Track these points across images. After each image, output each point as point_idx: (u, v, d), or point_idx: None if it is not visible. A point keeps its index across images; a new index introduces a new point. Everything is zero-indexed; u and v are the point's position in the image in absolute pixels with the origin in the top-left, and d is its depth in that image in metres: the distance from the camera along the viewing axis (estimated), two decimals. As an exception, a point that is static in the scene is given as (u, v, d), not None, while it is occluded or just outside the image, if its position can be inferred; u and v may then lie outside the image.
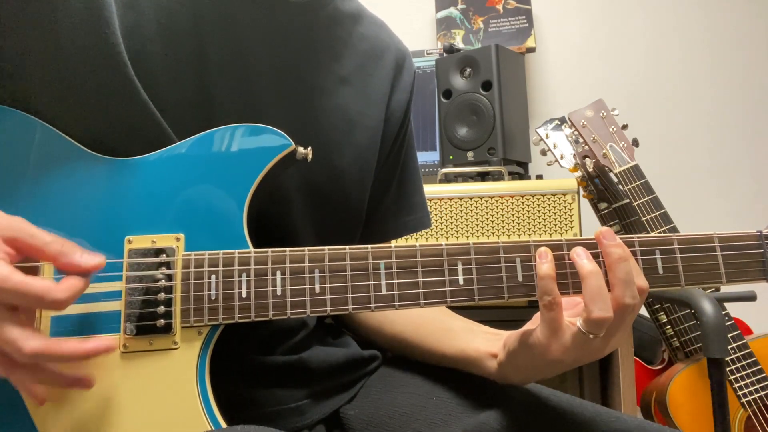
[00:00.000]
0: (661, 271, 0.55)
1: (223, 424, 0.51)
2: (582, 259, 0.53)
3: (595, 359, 0.54)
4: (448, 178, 1.35)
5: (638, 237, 0.55)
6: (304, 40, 0.65)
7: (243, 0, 0.62)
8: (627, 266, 0.52)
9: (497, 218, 1.21)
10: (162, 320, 0.51)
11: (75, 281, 0.47)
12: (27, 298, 0.44)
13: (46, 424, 0.49)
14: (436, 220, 1.21)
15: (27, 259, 0.48)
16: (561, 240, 0.55)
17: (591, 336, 0.51)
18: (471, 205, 1.22)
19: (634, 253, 0.55)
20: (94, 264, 0.48)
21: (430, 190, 1.07)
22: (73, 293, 0.46)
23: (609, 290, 0.52)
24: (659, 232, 1.12)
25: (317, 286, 0.53)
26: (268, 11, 0.63)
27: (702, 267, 0.56)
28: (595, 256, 0.54)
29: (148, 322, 0.51)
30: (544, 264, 0.53)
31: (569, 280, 0.54)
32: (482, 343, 0.64)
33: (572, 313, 0.56)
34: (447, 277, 0.54)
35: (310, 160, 0.58)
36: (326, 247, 0.54)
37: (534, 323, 0.58)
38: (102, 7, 0.54)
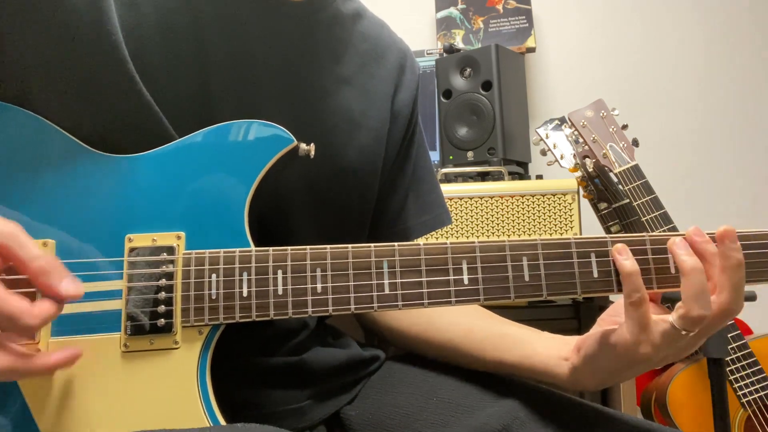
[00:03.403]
0: (673, 271, 0.54)
1: (224, 424, 0.50)
2: (683, 253, 0.51)
3: (683, 357, 0.53)
4: (448, 178, 1.35)
5: (650, 235, 0.54)
6: (304, 40, 0.65)
7: (243, 0, 0.61)
8: (743, 273, 0.51)
9: (497, 218, 1.21)
10: (162, 319, 0.51)
11: (48, 307, 0.45)
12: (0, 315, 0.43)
13: (47, 424, 0.49)
14: (436, 220, 1.20)
15: (13, 268, 0.46)
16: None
17: (683, 332, 0.50)
18: (471, 205, 1.21)
19: (645, 252, 0.54)
20: (71, 293, 0.46)
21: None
22: (44, 320, 0.44)
23: (712, 291, 0.51)
24: (660, 232, 1.12)
25: (319, 286, 0.53)
26: (269, 11, 0.62)
27: None
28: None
29: (149, 321, 0.51)
30: (627, 260, 0.52)
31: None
32: (547, 348, 0.61)
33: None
34: (452, 277, 0.53)
35: (312, 156, 0.57)
36: (328, 246, 0.53)
37: (606, 323, 0.57)
38: (103, 5, 0.53)
